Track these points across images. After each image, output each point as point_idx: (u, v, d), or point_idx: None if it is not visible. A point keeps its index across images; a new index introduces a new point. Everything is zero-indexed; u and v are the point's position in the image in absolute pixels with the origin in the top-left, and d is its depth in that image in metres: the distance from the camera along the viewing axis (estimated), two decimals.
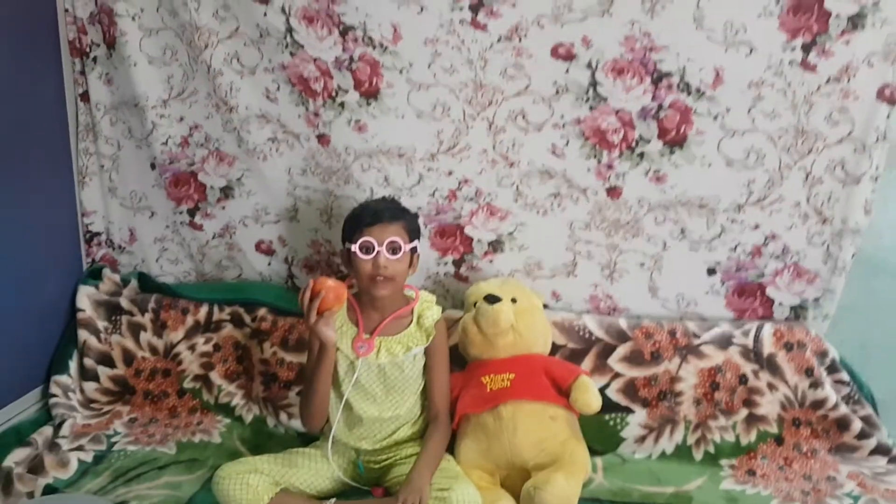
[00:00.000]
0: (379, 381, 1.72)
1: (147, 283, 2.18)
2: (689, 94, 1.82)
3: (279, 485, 1.58)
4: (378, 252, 1.65)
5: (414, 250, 1.74)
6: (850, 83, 1.76)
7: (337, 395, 1.73)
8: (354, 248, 1.67)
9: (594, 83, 1.85)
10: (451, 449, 1.76)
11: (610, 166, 1.91)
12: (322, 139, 2.01)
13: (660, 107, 1.84)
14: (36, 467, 1.75)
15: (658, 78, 1.82)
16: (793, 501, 1.67)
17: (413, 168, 1.99)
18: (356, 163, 2.01)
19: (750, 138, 1.83)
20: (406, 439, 1.75)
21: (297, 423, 1.95)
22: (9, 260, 1.91)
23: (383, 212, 1.71)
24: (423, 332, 1.74)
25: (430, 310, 1.77)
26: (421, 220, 2.01)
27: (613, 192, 1.93)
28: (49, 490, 1.68)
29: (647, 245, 1.96)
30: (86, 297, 2.10)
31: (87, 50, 2.08)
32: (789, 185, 1.85)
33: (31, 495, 1.66)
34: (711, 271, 1.95)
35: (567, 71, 1.85)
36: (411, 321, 1.75)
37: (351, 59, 1.93)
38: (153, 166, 2.15)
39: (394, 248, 1.67)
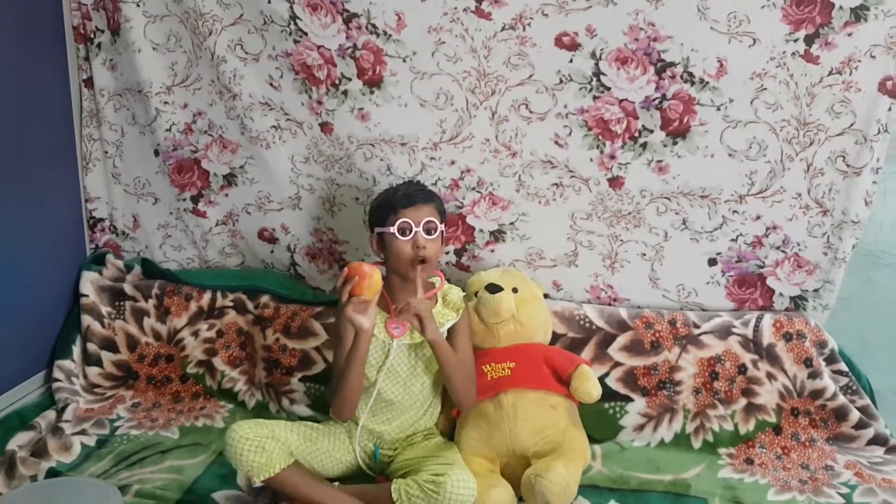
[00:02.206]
0: (407, 363, 1.72)
1: (150, 270, 2.19)
2: (692, 84, 1.82)
3: (293, 456, 1.58)
4: (416, 233, 1.66)
5: (443, 231, 1.76)
6: (852, 75, 1.77)
7: (367, 381, 1.71)
8: (393, 229, 1.67)
9: (598, 73, 1.85)
10: (451, 436, 1.78)
11: (612, 156, 1.92)
12: (325, 127, 2.01)
13: (663, 97, 1.85)
14: (39, 451, 1.76)
15: (662, 68, 1.82)
16: (790, 490, 1.69)
17: (416, 157, 2.00)
18: (359, 151, 2.01)
19: (752, 129, 1.84)
20: (422, 429, 1.76)
21: (299, 409, 1.97)
22: (13, 245, 1.92)
23: (416, 194, 1.72)
24: (452, 309, 1.75)
25: (453, 290, 1.79)
26: None
27: (616, 182, 1.94)
28: (52, 473, 1.69)
29: (649, 235, 1.97)
30: (89, 283, 2.10)
31: (92, 36, 2.08)
32: (791, 177, 1.86)
33: (34, 478, 1.67)
34: (712, 262, 1.97)
35: (571, 60, 1.85)
36: (437, 302, 1.76)
37: (354, 46, 1.93)
38: (157, 153, 2.16)
39: (429, 229, 1.68)
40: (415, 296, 1.63)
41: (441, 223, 1.73)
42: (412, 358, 1.72)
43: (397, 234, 1.66)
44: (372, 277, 1.55)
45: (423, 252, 1.66)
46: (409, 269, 1.67)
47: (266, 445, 1.53)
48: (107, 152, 2.17)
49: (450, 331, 1.74)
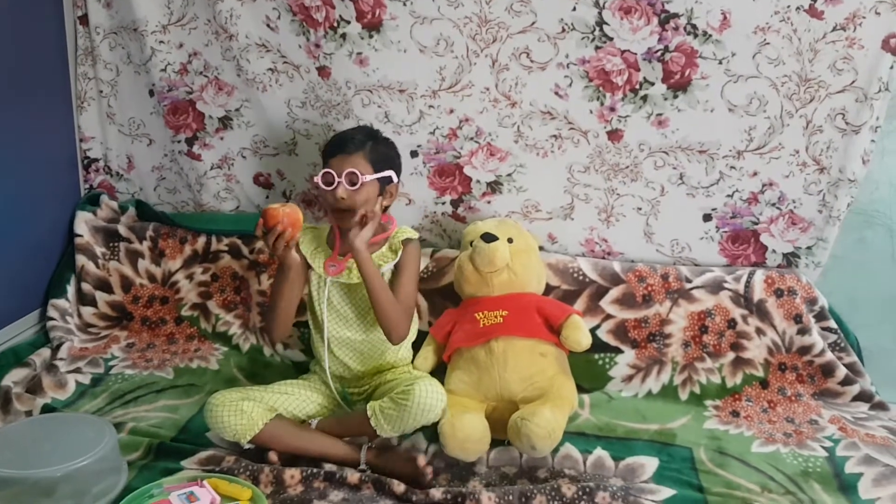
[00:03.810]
0: (351, 303, 1.75)
1: (145, 212, 2.18)
2: (695, 36, 1.80)
3: (274, 410, 1.62)
4: (338, 183, 1.65)
5: (387, 180, 1.71)
6: (856, 32, 1.75)
7: (316, 321, 1.77)
8: (317, 179, 1.67)
9: (601, 22, 1.83)
10: (441, 380, 1.79)
11: (612, 109, 1.91)
12: (322, 71, 1.99)
13: (665, 49, 1.83)
14: (34, 388, 1.78)
15: (665, 19, 1.80)
16: (774, 442, 1.72)
17: (414, 105, 1.98)
18: (356, 97, 1.99)
19: (753, 84, 1.83)
20: (388, 366, 1.79)
21: (292, 353, 2.00)
22: (7, 184, 1.91)
23: (347, 142, 1.69)
24: (392, 251, 1.75)
25: (403, 234, 1.78)
26: (420, 159, 2.01)
27: (615, 135, 1.93)
28: (47, 409, 1.71)
29: (645, 190, 1.97)
30: (84, 223, 2.10)
31: None
32: (789, 133, 1.85)
33: (29, 414, 1.68)
34: (707, 217, 1.97)
35: (574, 8, 1.82)
36: (383, 246, 1.76)
37: None
38: (151, 93, 2.13)
39: (351, 180, 1.65)
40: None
41: (375, 172, 1.67)
42: (353, 297, 1.73)
43: (321, 184, 1.66)
44: (290, 217, 1.55)
45: (340, 203, 1.65)
46: (332, 219, 1.69)
47: (244, 407, 1.57)
48: (101, 91, 2.15)
49: (394, 269, 1.75)
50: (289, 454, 1.60)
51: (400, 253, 1.75)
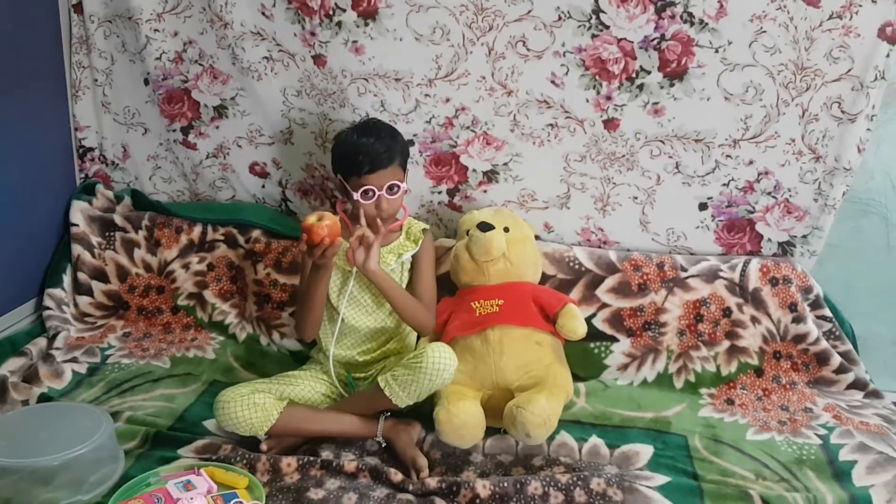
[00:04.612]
0: (370, 291, 1.76)
1: (141, 201, 2.18)
2: (691, 24, 1.80)
3: (284, 399, 1.62)
4: (380, 196, 1.69)
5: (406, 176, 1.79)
6: (852, 20, 1.75)
7: (331, 310, 1.77)
8: (356, 196, 1.68)
9: (597, 10, 1.82)
10: None
11: (609, 97, 1.90)
12: (318, 60, 1.98)
13: (662, 37, 1.82)
14: (30, 377, 1.78)
15: (662, 7, 1.80)
16: (769, 430, 1.72)
17: (410, 94, 1.97)
18: (352, 86, 1.99)
19: (749, 73, 1.82)
20: (394, 352, 1.80)
21: (289, 343, 2.00)
22: (3, 173, 1.90)
23: (380, 157, 1.69)
24: (412, 241, 1.80)
25: (414, 223, 1.84)
26: (416, 148, 2.01)
27: (611, 123, 1.93)
28: (44, 399, 1.71)
29: (642, 179, 1.97)
30: (79, 213, 2.09)
31: None
32: (785, 122, 1.85)
33: (25, 403, 1.69)
34: (703, 206, 1.97)
35: None
36: (400, 234, 1.82)
37: None
38: (146, 82, 2.12)
39: (392, 189, 1.70)
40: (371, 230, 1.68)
41: (405, 172, 1.75)
42: (372, 286, 1.74)
43: (361, 199, 1.69)
44: (331, 229, 1.56)
45: (385, 212, 1.70)
46: (372, 223, 1.70)
47: (255, 399, 1.57)
48: (96, 80, 2.13)
49: (414, 259, 1.80)
50: (308, 438, 1.62)
51: (420, 242, 1.78)
